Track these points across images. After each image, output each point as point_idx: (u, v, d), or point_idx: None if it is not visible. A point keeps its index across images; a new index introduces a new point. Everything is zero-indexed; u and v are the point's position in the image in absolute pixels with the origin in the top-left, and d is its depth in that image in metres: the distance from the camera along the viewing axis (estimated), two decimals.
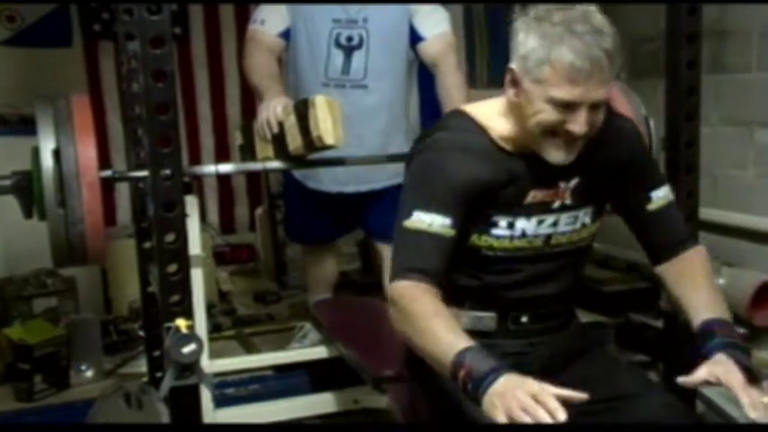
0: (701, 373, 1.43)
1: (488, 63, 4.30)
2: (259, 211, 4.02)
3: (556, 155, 1.48)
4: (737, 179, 3.31)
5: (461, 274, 1.57)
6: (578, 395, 1.27)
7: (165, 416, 1.86)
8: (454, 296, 1.55)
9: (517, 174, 1.53)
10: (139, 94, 1.83)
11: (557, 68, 1.39)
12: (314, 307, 2.72)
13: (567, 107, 1.41)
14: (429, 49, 2.54)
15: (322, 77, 2.51)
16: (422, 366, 1.63)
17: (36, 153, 1.72)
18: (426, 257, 1.47)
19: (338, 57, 2.50)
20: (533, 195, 1.54)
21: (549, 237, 1.58)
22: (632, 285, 3.39)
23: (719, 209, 3.25)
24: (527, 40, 1.44)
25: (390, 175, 2.53)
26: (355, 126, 2.40)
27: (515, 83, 1.48)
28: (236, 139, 2.58)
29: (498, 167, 1.53)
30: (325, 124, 2.05)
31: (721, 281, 3.01)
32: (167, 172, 1.70)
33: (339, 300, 2.92)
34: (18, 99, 3.47)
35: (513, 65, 1.47)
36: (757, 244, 3.19)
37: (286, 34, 2.55)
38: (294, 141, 2.15)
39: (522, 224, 1.55)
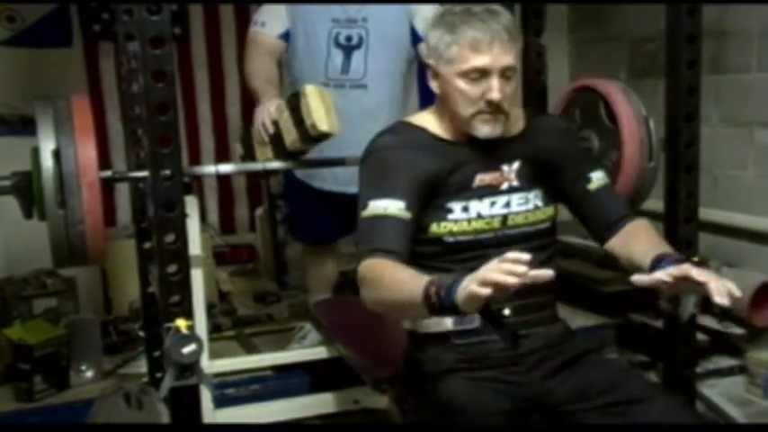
0: (657, 274, 1.47)
1: None
2: (259, 211, 4.02)
3: (484, 129, 1.63)
4: (737, 179, 3.31)
5: (433, 268, 1.58)
6: (545, 272, 1.26)
7: (165, 416, 1.86)
8: None
9: (461, 160, 1.67)
10: (139, 95, 1.83)
11: (462, 44, 1.58)
12: (314, 307, 2.72)
13: (480, 77, 1.59)
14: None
15: (322, 77, 2.50)
16: (419, 371, 1.65)
17: (36, 153, 1.72)
18: (387, 238, 1.56)
19: (338, 56, 2.50)
20: (480, 179, 1.67)
21: (505, 217, 1.68)
22: (632, 285, 3.38)
23: (719, 209, 3.25)
24: (435, 32, 1.64)
25: None
26: (355, 127, 2.39)
27: (435, 74, 1.66)
28: (237, 150, 2.57)
29: (441, 157, 1.66)
30: (318, 112, 2.07)
31: None
32: (167, 172, 1.70)
33: (339, 300, 2.92)
34: (18, 99, 3.47)
35: (429, 59, 1.66)
36: (757, 244, 3.19)
37: (286, 36, 2.56)
38: (290, 135, 2.17)
39: (475, 206, 1.66)
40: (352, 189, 2.61)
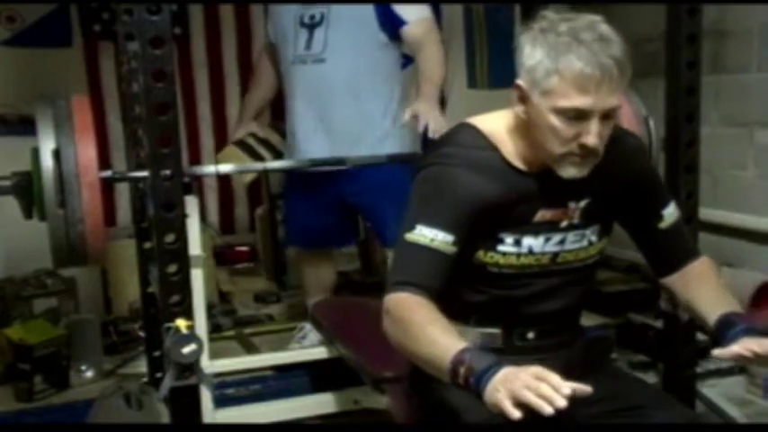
0: (735, 347, 1.42)
1: (488, 63, 4.30)
2: (259, 211, 4.02)
3: (571, 170, 1.45)
4: (737, 179, 3.31)
5: (467, 289, 1.55)
6: (583, 387, 1.22)
7: (165, 416, 1.86)
8: (460, 312, 1.54)
9: (527, 193, 1.51)
10: (139, 95, 1.83)
11: (565, 77, 1.37)
12: (313, 307, 2.71)
13: (578, 118, 1.39)
14: (413, 30, 2.60)
15: (290, 56, 2.62)
16: (422, 376, 1.64)
17: (36, 153, 1.72)
18: (425, 272, 1.44)
19: (303, 35, 2.60)
20: (542, 215, 1.53)
21: (556, 254, 1.56)
22: (632, 285, 3.39)
23: (719, 209, 3.25)
24: (533, 52, 1.42)
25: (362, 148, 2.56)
26: (316, 100, 2.57)
27: (523, 99, 1.45)
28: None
29: (508, 186, 1.50)
30: None
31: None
32: (167, 172, 1.70)
33: (339, 300, 2.92)
34: (18, 99, 3.47)
35: (521, 80, 1.45)
36: (757, 244, 3.19)
37: None
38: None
39: (529, 241, 1.53)
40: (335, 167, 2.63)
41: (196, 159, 3.89)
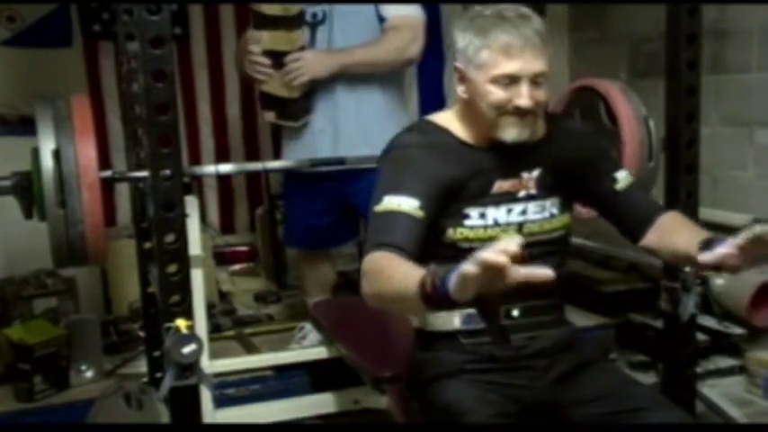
0: (720, 249, 1.47)
1: None
2: (259, 211, 4.02)
3: (511, 131, 1.60)
4: (737, 179, 3.31)
5: None
6: (543, 271, 1.16)
7: (165, 416, 1.86)
8: None
9: (481, 166, 1.64)
10: (139, 95, 1.83)
11: (493, 48, 1.56)
12: (313, 307, 2.72)
13: (510, 83, 1.57)
14: (387, 25, 2.58)
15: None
16: (418, 378, 1.65)
17: (36, 153, 1.72)
18: (396, 234, 1.52)
19: (305, 33, 2.57)
20: (499, 186, 1.65)
21: (521, 225, 1.67)
22: (632, 285, 3.39)
23: (719, 209, 3.24)
24: (465, 35, 1.61)
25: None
26: (324, 106, 2.57)
27: (462, 79, 1.63)
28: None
29: (462, 161, 1.64)
30: None
31: (721, 281, 3.02)
32: (167, 172, 1.70)
33: (339, 300, 2.92)
34: (18, 99, 3.47)
35: (457, 63, 1.63)
36: None
37: None
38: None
39: (492, 213, 1.64)
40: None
41: (196, 159, 3.88)
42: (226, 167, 2.23)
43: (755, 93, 3.21)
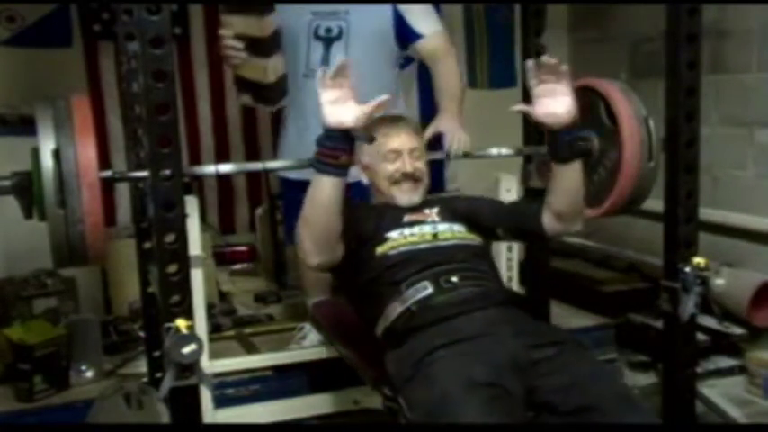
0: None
1: (488, 63, 4.30)
2: (259, 211, 4.02)
3: (405, 197, 2.06)
4: (737, 179, 3.31)
5: (385, 278, 1.90)
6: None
7: (165, 416, 1.86)
8: (391, 293, 1.88)
9: (392, 210, 2.05)
10: (139, 94, 1.83)
11: (381, 133, 2.01)
12: (313, 307, 2.72)
13: (396, 157, 2.04)
14: (429, 44, 2.55)
15: (303, 69, 2.53)
16: (402, 365, 1.69)
17: (36, 153, 1.72)
18: None
19: (318, 49, 2.50)
20: (409, 217, 2.04)
21: (435, 234, 2.00)
22: (632, 285, 3.39)
23: (719, 209, 3.25)
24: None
25: None
26: None
27: (365, 167, 2.09)
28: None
29: (376, 211, 2.07)
30: None
31: (721, 281, 3.02)
32: (167, 172, 1.70)
33: (338, 301, 2.91)
34: (18, 99, 3.47)
35: (363, 160, 2.06)
36: (757, 244, 3.20)
37: None
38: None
39: (408, 230, 2.00)
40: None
41: (196, 159, 3.89)
42: (226, 167, 2.22)
43: (755, 93, 3.21)
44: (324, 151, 1.69)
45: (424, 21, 2.54)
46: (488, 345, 1.71)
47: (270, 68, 2.48)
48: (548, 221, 1.96)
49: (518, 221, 2.05)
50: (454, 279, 1.89)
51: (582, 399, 1.62)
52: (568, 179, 1.88)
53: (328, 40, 2.48)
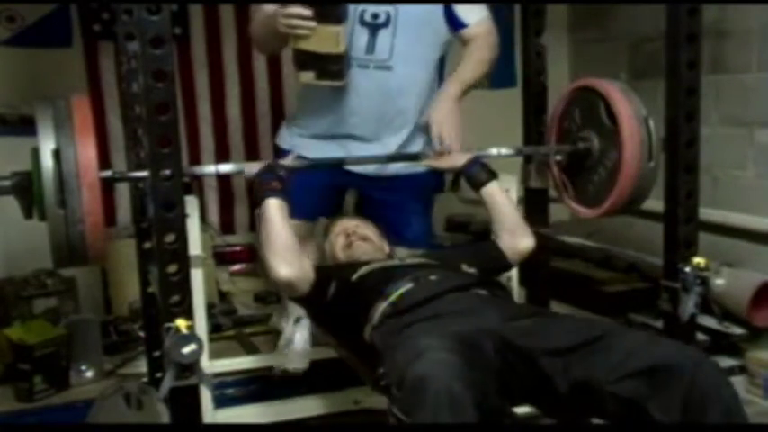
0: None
1: None
2: (259, 210, 4.02)
3: (359, 250, 2.22)
4: (737, 179, 3.31)
5: (367, 305, 1.90)
6: None
7: (165, 416, 1.86)
8: (372, 297, 1.89)
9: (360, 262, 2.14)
10: (139, 94, 1.83)
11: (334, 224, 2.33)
12: None
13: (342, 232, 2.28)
14: (471, 32, 2.44)
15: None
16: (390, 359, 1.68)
17: (36, 153, 1.72)
18: None
19: (362, 35, 2.33)
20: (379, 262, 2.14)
21: (407, 262, 2.11)
22: (632, 285, 3.39)
23: (719, 209, 3.25)
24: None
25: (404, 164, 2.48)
26: (378, 107, 2.39)
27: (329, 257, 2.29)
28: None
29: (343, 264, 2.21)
30: None
31: (721, 281, 3.02)
32: (167, 172, 1.70)
33: None
34: (18, 99, 3.47)
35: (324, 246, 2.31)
36: (757, 244, 3.20)
37: None
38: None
39: (379, 263, 2.09)
40: (360, 169, 2.55)
41: (196, 159, 3.88)
42: (226, 167, 2.22)
43: (755, 93, 3.21)
44: (263, 184, 1.96)
45: (470, 8, 2.43)
46: (469, 317, 1.74)
47: (342, 35, 2.19)
48: (506, 248, 2.16)
49: (485, 265, 2.11)
50: (433, 278, 1.93)
51: (584, 335, 1.63)
52: (499, 196, 2.19)
53: (374, 27, 2.33)
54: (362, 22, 2.33)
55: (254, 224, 4.09)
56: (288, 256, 1.89)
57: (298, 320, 2.64)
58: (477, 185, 2.19)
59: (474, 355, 1.53)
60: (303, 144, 2.52)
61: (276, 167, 1.99)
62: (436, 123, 2.36)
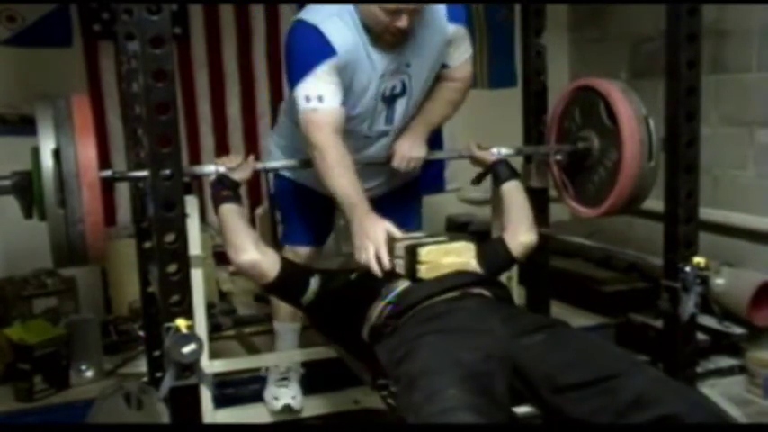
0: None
1: (488, 63, 4.30)
2: (259, 210, 4.01)
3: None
4: (737, 179, 3.31)
5: (364, 288, 1.93)
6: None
7: (165, 416, 1.86)
8: (369, 296, 1.89)
9: None
10: (139, 94, 1.83)
11: None
12: None
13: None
14: (455, 73, 2.39)
15: (366, 131, 2.33)
16: (392, 358, 1.71)
17: (36, 153, 1.72)
18: None
19: (383, 110, 2.31)
20: None
21: None
22: (632, 285, 3.39)
23: (719, 209, 3.25)
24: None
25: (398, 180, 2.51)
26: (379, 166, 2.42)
27: None
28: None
29: None
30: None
31: (721, 281, 3.02)
32: (167, 172, 1.70)
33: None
34: (18, 99, 3.47)
35: None
36: (757, 244, 3.20)
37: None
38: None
39: None
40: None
41: (196, 159, 3.88)
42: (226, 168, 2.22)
43: (755, 93, 3.21)
44: (216, 194, 2.10)
45: (459, 48, 2.36)
46: (477, 335, 1.69)
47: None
48: (511, 239, 2.17)
49: (490, 258, 2.09)
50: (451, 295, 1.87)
51: (594, 372, 1.59)
52: (516, 191, 2.27)
53: (392, 98, 2.31)
54: (384, 99, 2.29)
55: (254, 224, 4.09)
56: (244, 244, 1.99)
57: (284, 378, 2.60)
58: (502, 180, 2.30)
59: (488, 399, 1.52)
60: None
61: (225, 178, 2.12)
62: (402, 158, 2.37)
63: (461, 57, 2.38)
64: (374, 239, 1.93)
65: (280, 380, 2.58)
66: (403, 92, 2.30)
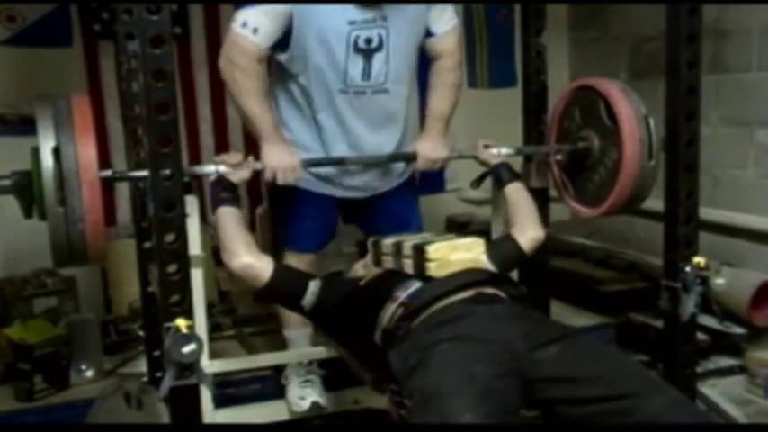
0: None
1: (488, 63, 4.30)
2: (259, 210, 4.00)
3: None
4: (737, 179, 3.31)
5: (375, 291, 1.95)
6: None
7: (165, 416, 1.86)
8: (381, 298, 1.87)
9: None
10: (139, 94, 1.83)
11: None
12: None
13: None
14: (440, 43, 2.40)
15: (340, 84, 2.30)
16: (404, 363, 1.70)
17: (36, 153, 1.72)
18: None
19: (357, 62, 2.27)
20: None
21: None
22: (632, 285, 3.39)
23: (719, 209, 3.25)
24: None
25: (396, 176, 2.51)
26: (376, 128, 2.38)
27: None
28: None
29: None
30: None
31: (721, 281, 3.02)
32: (167, 172, 1.70)
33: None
34: (18, 99, 3.47)
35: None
36: (757, 244, 3.20)
37: (275, 48, 2.25)
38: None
39: None
40: (360, 194, 2.56)
41: (196, 159, 3.88)
42: (226, 167, 2.22)
43: (755, 93, 3.21)
44: (214, 195, 2.15)
45: (442, 16, 2.38)
46: (493, 346, 1.66)
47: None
48: (522, 240, 2.19)
49: (500, 254, 2.11)
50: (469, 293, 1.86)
51: (612, 388, 1.59)
52: (520, 192, 2.31)
53: (368, 52, 2.27)
54: (357, 50, 2.27)
55: (254, 224, 4.09)
56: (237, 249, 1.99)
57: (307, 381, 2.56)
58: (504, 183, 2.34)
59: (504, 424, 1.52)
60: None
61: (224, 179, 2.13)
62: (425, 161, 2.39)
63: (446, 24, 2.40)
64: (276, 165, 2.22)
65: (303, 381, 2.55)
66: (380, 46, 2.28)
